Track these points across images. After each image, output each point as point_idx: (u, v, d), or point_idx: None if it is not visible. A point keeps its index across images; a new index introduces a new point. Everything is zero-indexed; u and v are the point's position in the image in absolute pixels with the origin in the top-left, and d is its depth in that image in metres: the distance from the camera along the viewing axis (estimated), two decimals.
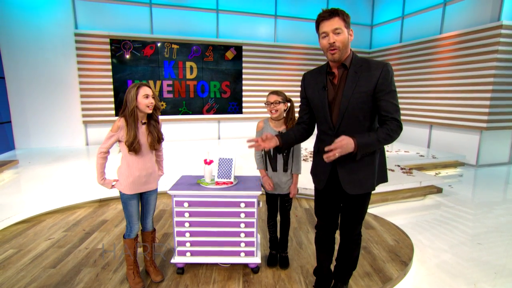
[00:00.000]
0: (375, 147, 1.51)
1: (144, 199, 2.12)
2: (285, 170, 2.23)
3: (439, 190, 4.39)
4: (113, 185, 2.03)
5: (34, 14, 6.39)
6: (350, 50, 1.57)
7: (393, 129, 1.47)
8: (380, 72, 1.48)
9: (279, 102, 2.16)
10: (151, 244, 2.21)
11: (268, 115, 2.28)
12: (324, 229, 1.86)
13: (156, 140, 2.05)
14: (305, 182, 4.19)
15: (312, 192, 3.94)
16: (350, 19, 1.53)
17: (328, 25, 1.49)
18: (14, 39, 6.31)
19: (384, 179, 1.70)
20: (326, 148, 1.43)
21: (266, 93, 2.30)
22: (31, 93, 6.59)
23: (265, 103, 2.21)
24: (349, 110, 1.53)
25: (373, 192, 1.74)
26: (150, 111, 1.98)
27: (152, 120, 2.05)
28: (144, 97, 1.93)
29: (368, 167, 1.60)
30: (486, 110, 5.73)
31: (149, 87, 1.98)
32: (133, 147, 1.92)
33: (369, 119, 1.56)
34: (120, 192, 2.02)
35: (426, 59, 7.00)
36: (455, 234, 3.11)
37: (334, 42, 1.49)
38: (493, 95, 5.66)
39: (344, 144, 1.40)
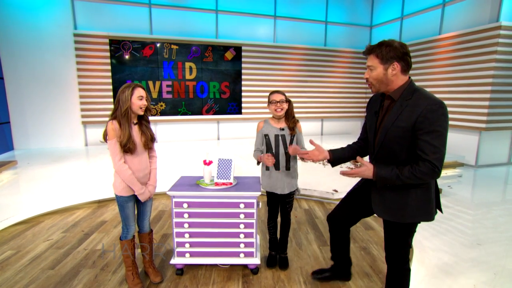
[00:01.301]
0: (395, 182, 1.50)
1: (140, 200, 2.10)
2: (287, 168, 2.22)
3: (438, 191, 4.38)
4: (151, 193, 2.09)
5: (33, 14, 6.38)
6: (408, 80, 1.54)
7: (422, 171, 1.42)
8: (422, 109, 1.42)
9: (284, 101, 2.17)
10: (150, 246, 2.20)
11: (267, 116, 2.29)
12: (334, 220, 1.96)
13: (150, 139, 2.06)
14: (305, 182, 4.19)
15: (312, 193, 3.96)
16: (395, 52, 1.48)
17: (367, 61, 1.58)
18: (13, 39, 6.30)
19: (427, 217, 1.59)
20: (342, 172, 1.60)
21: (266, 94, 2.30)
22: (30, 94, 6.58)
23: (269, 102, 2.19)
24: (385, 141, 1.55)
25: None
26: (142, 113, 1.98)
27: (143, 121, 2.06)
28: (139, 99, 1.93)
29: (401, 198, 1.56)
30: (485, 110, 5.73)
31: (143, 88, 1.98)
32: (128, 147, 1.91)
33: (406, 153, 1.52)
34: (116, 195, 2.02)
35: (425, 59, 7.01)
36: (455, 235, 3.10)
37: (367, 78, 1.57)
38: (492, 95, 5.67)
39: (361, 171, 1.56)
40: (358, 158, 1.62)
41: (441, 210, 1.68)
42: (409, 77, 1.56)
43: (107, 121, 1.93)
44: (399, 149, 1.53)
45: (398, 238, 1.64)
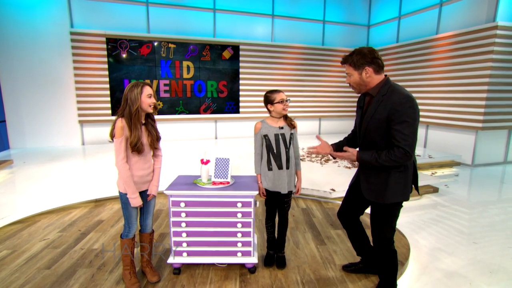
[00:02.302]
0: (374, 164, 1.74)
1: (143, 198, 2.10)
2: (287, 167, 2.23)
3: (435, 190, 4.41)
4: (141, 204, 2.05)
5: (29, 12, 6.33)
6: (385, 79, 1.77)
7: (396, 155, 1.65)
8: (393, 103, 1.65)
9: (288, 100, 2.22)
10: (150, 246, 2.20)
11: (265, 115, 2.29)
12: (342, 212, 2.16)
13: (155, 138, 2.07)
14: (303, 182, 4.19)
15: (309, 193, 3.96)
16: (364, 59, 1.72)
17: (345, 69, 1.84)
18: (9, 37, 6.25)
19: (404, 197, 1.79)
20: (330, 153, 1.96)
21: (264, 93, 2.28)
22: (26, 92, 6.53)
23: (274, 102, 2.17)
24: (367, 132, 1.80)
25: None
26: (152, 111, 2.00)
27: (149, 119, 2.06)
28: (148, 97, 1.95)
29: (383, 180, 1.78)
30: (482, 110, 5.77)
31: (151, 86, 1.99)
32: (137, 147, 1.92)
33: (385, 141, 1.74)
34: (120, 192, 2.00)
35: (422, 59, 7.03)
36: (451, 234, 3.12)
37: (349, 83, 1.85)
38: (489, 95, 5.70)
39: (347, 155, 1.83)
40: (345, 147, 1.87)
41: (417, 190, 1.91)
42: (385, 75, 1.79)
43: (106, 119, 1.93)
44: (378, 138, 1.76)
45: (382, 218, 1.85)
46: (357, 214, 2.14)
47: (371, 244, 2.16)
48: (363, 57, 1.72)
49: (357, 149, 1.88)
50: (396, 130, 1.64)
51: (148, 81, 7.32)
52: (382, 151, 1.71)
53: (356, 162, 1.90)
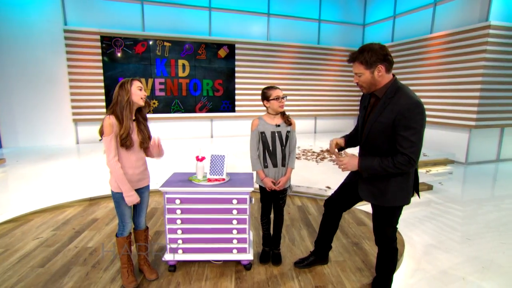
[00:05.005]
0: (379, 172, 1.67)
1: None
2: (283, 165, 2.23)
3: (429, 188, 4.45)
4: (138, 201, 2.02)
5: (22, 9, 6.25)
6: (392, 79, 1.69)
7: (400, 162, 1.60)
8: (400, 108, 1.58)
9: (285, 97, 2.20)
10: (147, 243, 2.18)
11: (261, 114, 2.29)
12: (330, 204, 2.14)
13: (147, 138, 2.02)
14: (299, 180, 4.21)
15: (305, 190, 3.97)
16: (375, 57, 1.60)
17: (353, 68, 1.72)
18: (2, 35, 6.16)
19: (404, 201, 1.76)
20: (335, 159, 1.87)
21: (259, 91, 2.28)
22: (19, 91, 6.45)
23: (270, 99, 2.16)
24: (370, 134, 1.74)
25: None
26: (143, 104, 1.95)
27: (141, 118, 2.02)
28: (138, 89, 1.92)
29: (384, 184, 1.74)
30: (475, 108, 5.83)
31: (141, 81, 1.97)
32: (126, 140, 1.87)
33: (388, 145, 1.68)
34: (113, 191, 1.98)
35: (416, 58, 7.09)
36: (445, 231, 3.15)
37: (357, 82, 1.73)
38: (482, 94, 5.77)
39: (346, 162, 1.76)
40: (344, 151, 1.86)
41: (418, 195, 1.87)
42: (393, 75, 1.70)
43: (101, 118, 1.89)
44: (381, 141, 1.70)
45: (383, 219, 1.83)
46: (345, 208, 2.14)
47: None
48: (376, 54, 1.59)
49: (355, 154, 1.84)
50: (402, 136, 1.57)
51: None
52: (385, 157, 1.65)
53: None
